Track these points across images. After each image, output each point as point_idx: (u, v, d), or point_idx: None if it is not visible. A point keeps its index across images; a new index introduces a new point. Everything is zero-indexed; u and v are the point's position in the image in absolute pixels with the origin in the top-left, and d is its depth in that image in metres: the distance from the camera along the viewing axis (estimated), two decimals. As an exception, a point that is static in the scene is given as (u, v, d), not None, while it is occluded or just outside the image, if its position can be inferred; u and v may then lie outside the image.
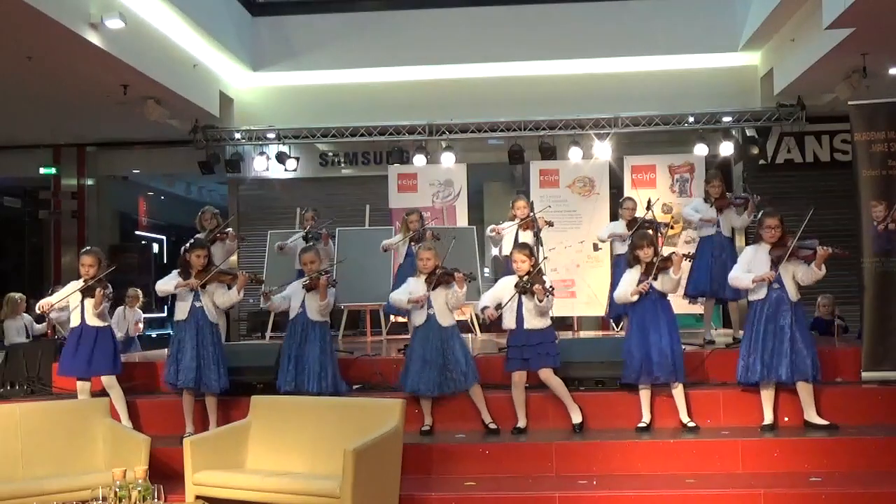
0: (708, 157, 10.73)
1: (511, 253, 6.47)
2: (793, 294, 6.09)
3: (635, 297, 6.16)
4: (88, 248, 6.67)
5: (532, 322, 6.20)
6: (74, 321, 6.46)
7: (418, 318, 6.38)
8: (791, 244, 6.03)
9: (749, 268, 6.22)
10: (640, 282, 6.17)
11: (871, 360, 6.69)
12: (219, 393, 6.39)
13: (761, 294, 6.14)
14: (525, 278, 6.17)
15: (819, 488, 5.22)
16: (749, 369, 6.11)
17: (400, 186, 11.12)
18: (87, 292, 6.35)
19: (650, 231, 7.21)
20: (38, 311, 6.62)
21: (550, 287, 6.11)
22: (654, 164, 10.80)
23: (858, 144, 6.95)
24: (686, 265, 6.20)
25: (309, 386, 6.30)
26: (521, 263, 6.22)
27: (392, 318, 9.81)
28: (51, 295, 6.78)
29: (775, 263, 6.09)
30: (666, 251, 6.26)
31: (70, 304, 6.48)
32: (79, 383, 6.42)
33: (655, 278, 6.12)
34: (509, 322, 6.26)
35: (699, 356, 6.94)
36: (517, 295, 6.18)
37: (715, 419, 6.29)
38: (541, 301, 6.06)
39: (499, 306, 6.27)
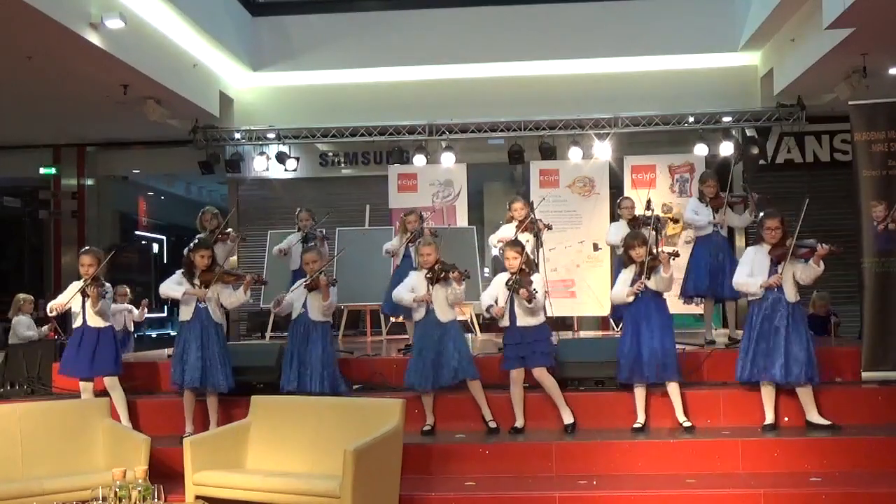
0: (708, 157, 10.71)
1: (503, 250, 6.49)
2: (791, 295, 6.09)
3: (631, 298, 6.18)
4: (87, 247, 6.68)
5: (524, 319, 6.25)
6: (77, 322, 6.47)
7: (419, 314, 6.44)
8: (790, 244, 6.04)
9: (751, 269, 6.22)
10: (633, 282, 6.20)
11: (871, 360, 6.70)
12: (225, 392, 6.40)
13: (760, 295, 6.14)
14: (514, 277, 6.20)
15: (819, 488, 5.22)
16: (745, 368, 6.15)
17: (400, 186, 11.10)
18: (86, 292, 6.35)
19: (652, 229, 7.20)
20: (50, 314, 6.58)
21: (534, 290, 6.12)
22: (654, 164, 10.78)
23: (858, 144, 6.95)
24: (676, 263, 6.20)
25: (311, 386, 6.32)
26: (513, 260, 6.27)
27: (392, 318, 9.81)
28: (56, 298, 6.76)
29: (776, 263, 6.10)
30: (665, 251, 6.26)
31: (72, 304, 6.47)
32: (82, 383, 6.43)
33: (648, 278, 6.14)
34: (504, 319, 6.30)
35: (699, 356, 6.94)
36: (510, 292, 6.23)
37: (715, 419, 6.29)
38: (529, 303, 6.10)
39: (497, 302, 6.32)
